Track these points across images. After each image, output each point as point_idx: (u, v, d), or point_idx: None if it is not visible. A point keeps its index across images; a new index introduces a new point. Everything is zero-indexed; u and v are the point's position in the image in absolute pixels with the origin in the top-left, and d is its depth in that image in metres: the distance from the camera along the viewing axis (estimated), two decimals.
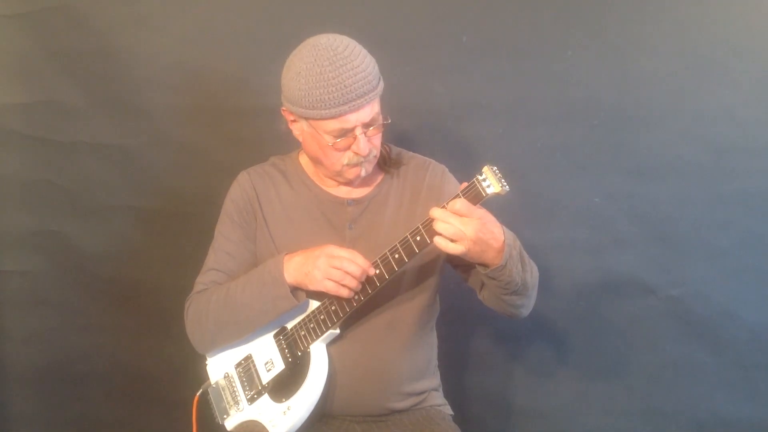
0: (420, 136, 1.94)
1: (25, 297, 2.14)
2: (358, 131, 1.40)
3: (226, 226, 1.58)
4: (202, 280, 1.57)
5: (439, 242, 1.29)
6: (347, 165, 1.45)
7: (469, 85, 1.92)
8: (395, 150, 1.62)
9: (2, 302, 2.14)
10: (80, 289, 2.13)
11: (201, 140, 2.01)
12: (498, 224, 1.32)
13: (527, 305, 1.49)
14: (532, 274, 1.43)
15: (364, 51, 1.41)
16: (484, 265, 1.35)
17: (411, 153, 1.63)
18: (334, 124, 1.38)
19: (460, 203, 1.27)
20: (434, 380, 1.64)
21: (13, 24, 1.96)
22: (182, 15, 1.94)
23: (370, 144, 1.43)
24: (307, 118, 1.41)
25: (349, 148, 1.43)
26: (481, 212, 1.29)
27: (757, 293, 1.96)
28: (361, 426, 1.52)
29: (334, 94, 1.34)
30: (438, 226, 1.29)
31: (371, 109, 1.39)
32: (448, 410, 1.64)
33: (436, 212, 1.29)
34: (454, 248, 1.28)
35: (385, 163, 1.58)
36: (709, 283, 1.97)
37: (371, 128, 1.42)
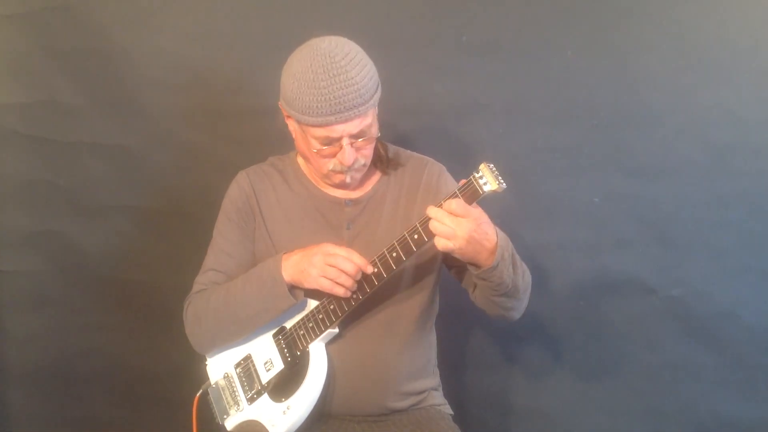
0: (419, 135, 1.94)
1: (25, 297, 2.14)
2: (345, 141, 1.39)
3: (224, 226, 1.58)
4: (201, 280, 1.58)
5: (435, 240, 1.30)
6: (332, 171, 1.46)
7: (469, 85, 1.92)
8: (392, 149, 1.62)
9: (2, 302, 2.14)
10: (80, 289, 2.13)
11: (201, 140, 2.01)
12: (492, 225, 1.33)
13: (518, 308, 1.50)
14: (524, 278, 1.44)
15: (364, 60, 1.39)
16: (476, 266, 1.35)
17: (408, 152, 1.63)
18: (321, 132, 1.38)
19: (456, 203, 1.27)
20: (434, 380, 1.64)
21: (12, 24, 1.96)
22: (182, 15, 1.94)
23: (357, 154, 1.43)
24: (296, 120, 1.41)
25: (334, 156, 1.43)
26: (477, 213, 1.29)
27: (757, 293, 1.96)
28: (360, 426, 1.52)
29: (323, 103, 1.34)
30: (432, 225, 1.29)
31: (360, 122, 1.38)
32: (448, 410, 1.64)
33: (432, 211, 1.29)
34: (446, 245, 1.29)
35: (383, 163, 1.58)
36: (710, 283, 1.96)
37: (360, 140, 1.41)
